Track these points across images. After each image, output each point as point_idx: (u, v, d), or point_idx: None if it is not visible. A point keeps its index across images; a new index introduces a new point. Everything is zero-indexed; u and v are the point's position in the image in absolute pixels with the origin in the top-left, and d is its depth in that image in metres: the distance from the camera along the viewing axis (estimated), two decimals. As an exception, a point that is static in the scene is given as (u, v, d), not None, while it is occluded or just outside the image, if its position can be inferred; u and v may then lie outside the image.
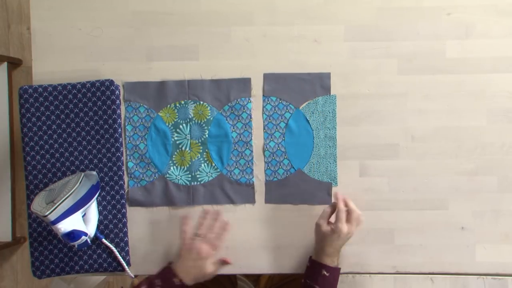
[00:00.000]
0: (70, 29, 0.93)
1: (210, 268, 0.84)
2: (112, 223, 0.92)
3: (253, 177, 0.93)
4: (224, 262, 0.87)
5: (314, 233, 0.88)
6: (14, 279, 1.75)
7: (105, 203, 0.92)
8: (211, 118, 0.93)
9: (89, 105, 0.91)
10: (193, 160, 0.93)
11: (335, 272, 0.84)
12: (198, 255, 0.83)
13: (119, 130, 0.92)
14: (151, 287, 0.81)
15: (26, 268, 1.73)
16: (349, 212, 0.84)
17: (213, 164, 0.93)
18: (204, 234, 0.86)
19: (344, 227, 0.82)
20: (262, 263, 0.94)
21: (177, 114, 0.93)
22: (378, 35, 0.92)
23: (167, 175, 0.93)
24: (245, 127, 0.93)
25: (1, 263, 1.74)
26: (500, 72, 0.91)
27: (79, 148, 0.91)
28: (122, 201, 0.92)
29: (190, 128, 0.93)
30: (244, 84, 0.93)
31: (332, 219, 0.88)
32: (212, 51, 0.93)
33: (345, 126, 0.93)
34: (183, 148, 0.93)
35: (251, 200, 0.93)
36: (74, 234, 0.81)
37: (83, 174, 0.87)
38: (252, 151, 0.93)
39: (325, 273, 0.83)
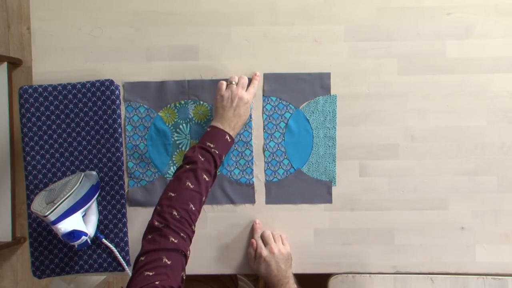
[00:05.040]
0: (70, 29, 0.93)
1: (248, 109, 0.86)
2: (112, 223, 0.92)
3: (253, 177, 0.93)
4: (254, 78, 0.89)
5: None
6: (14, 279, 1.75)
7: (105, 203, 0.92)
8: (211, 118, 0.93)
9: (89, 105, 0.91)
10: (193, 160, 0.93)
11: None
12: (238, 101, 0.83)
13: (119, 130, 0.92)
14: (205, 151, 0.79)
15: (26, 268, 1.73)
16: (267, 236, 0.90)
17: (213, 164, 0.93)
18: (237, 81, 0.87)
19: (263, 251, 0.87)
20: (262, 263, 0.94)
21: (177, 114, 0.93)
22: (378, 35, 0.92)
23: (167, 175, 0.93)
24: (245, 127, 0.93)
25: (1, 263, 1.74)
26: (500, 72, 0.91)
27: (79, 148, 0.91)
28: (122, 201, 0.92)
29: (190, 128, 0.93)
30: (244, 84, 0.93)
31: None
32: (212, 51, 0.93)
33: (345, 126, 0.92)
34: (183, 148, 0.93)
35: (251, 200, 0.93)
36: (74, 234, 0.81)
37: (83, 174, 0.87)
38: (252, 151, 0.93)
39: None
